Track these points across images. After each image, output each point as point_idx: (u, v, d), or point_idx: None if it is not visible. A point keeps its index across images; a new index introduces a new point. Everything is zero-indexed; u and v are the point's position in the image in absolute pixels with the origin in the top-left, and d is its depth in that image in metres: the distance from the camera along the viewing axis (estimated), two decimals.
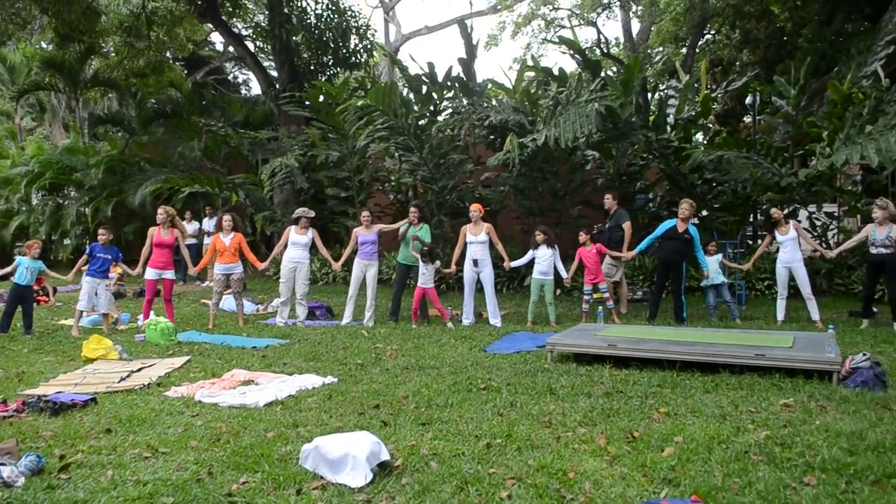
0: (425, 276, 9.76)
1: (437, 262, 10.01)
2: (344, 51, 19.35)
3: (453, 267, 10.16)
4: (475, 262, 9.92)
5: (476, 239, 9.92)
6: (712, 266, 9.91)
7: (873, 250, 9.04)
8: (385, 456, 4.06)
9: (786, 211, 12.58)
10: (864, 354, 6.12)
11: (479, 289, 10.06)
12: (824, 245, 11.99)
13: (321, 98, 15.11)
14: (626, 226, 10.55)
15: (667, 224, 9.71)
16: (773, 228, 9.85)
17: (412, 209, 10.55)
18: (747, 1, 23.33)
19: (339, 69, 19.55)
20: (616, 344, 6.86)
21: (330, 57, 19.41)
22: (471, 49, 14.60)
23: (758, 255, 10.42)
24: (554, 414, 5.14)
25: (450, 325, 9.54)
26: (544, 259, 9.71)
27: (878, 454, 4.18)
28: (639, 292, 11.98)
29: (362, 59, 19.95)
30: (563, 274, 9.84)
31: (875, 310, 9.47)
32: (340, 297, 11.92)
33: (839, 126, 10.96)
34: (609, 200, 11.15)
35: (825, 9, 19.70)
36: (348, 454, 3.94)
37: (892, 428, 4.69)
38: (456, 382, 6.17)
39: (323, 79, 18.56)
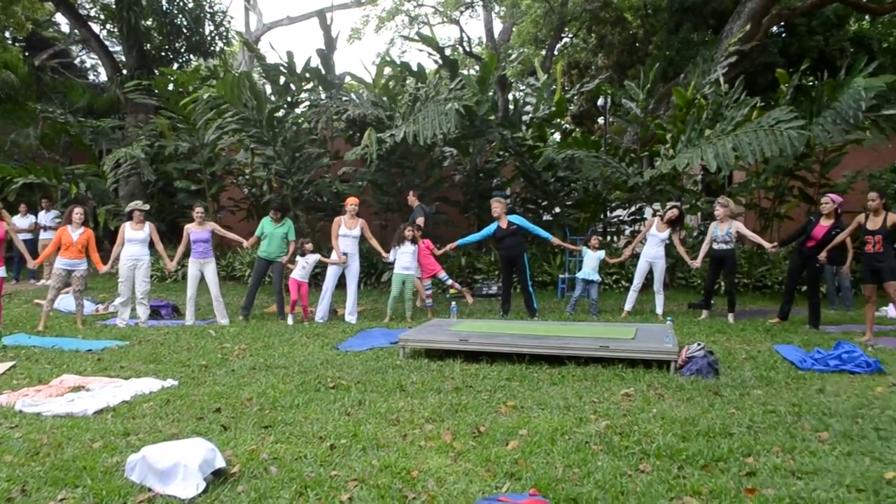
0: (305, 270, 9.49)
1: (317, 255, 9.80)
2: (197, 37, 18.52)
3: (342, 257, 9.79)
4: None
5: (350, 233, 9.76)
6: (592, 263, 10.20)
7: (715, 246, 9.59)
8: (220, 463, 3.83)
9: (632, 209, 13.16)
10: (699, 344, 6.45)
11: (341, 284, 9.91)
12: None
13: (170, 86, 14.36)
14: (419, 221, 10.66)
15: (491, 227, 9.91)
16: (679, 224, 10.17)
17: (273, 212, 10.16)
18: (603, 7, 24.28)
19: (192, 56, 18.69)
20: (468, 339, 6.89)
21: (183, 43, 18.53)
22: (330, 41, 14.33)
23: (631, 248, 10.74)
24: (402, 411, 5.06)
25: (306, 323, 9.32)
26: (408, 254, 9.68)
27: (709, 439, 4.38)
28: (493, 287, 12.15)
29: (217, 47, 19.17)
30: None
31: (713, 302, 10.07)
32: None
33: (682, 130, 11.55)
34: (411, 197, 11.31)
35: (673, 18, 20.79)
36: (179, 463, 3.68)
37: (722, 413, 4.93)
38: (304, 382, 5.98)
39: (175, 66, 17.69)
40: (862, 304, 9.08)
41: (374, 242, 10.07)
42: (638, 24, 25.00)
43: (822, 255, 8.72)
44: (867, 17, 22.35)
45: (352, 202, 9.91)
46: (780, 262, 11.80)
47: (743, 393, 5.58)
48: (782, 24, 19.81)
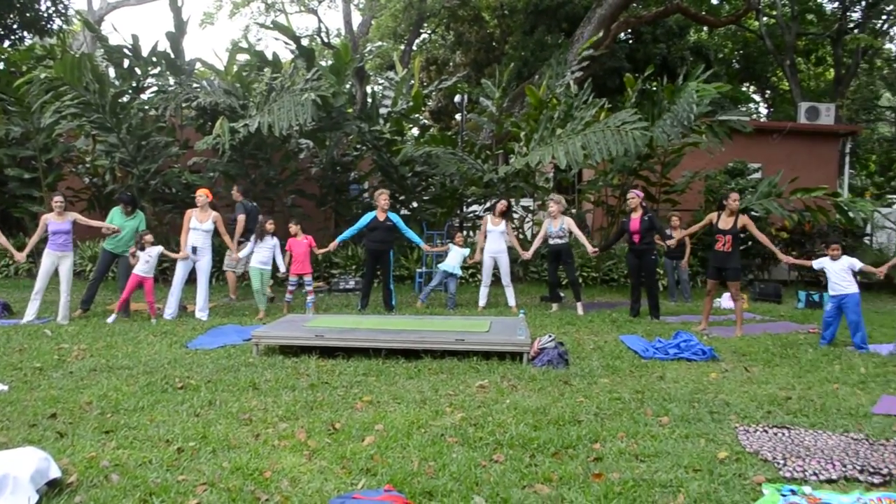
0: (148, 265, 8.89)
1: (160, 248, 9.16)
2: (32, 13, 17.14)
3: (186, 252, 9.24)
4: (194, 250, 9.26)
5: (201, 226, 9.29)
6: (457, 258, 10.28)
7: (551, 241, 9.98)
8: (55, 473, 3.54)
9: (488, 204, 13.44)
10: (550, 336, 6.66)
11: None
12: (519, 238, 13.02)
13: (0, 65, 13.21)
14: (240, 218, 10.50)
15: (367, 216, 9.85)
16: (503, 217, 10.39)
17: (123, 205, 9.54)
18: (461, 5, 24.64)
19: (27, 34, 17.27)
20: (324, 334, 6.78)
21: (16, 18, 17.09)
22: (180, 24, 13.65)
23: (479, 249, 10.91)
24: (255, 410, 4.90)
25: (153, 320, 8.84)
26: (267, 248, 9.39)
27: (559, 427, 4.52)
28: (350, 282, 12.05)
29: (55, 25, 17.83)
30: (281, 266, 9.57)
31: (562, 294, 10.46)
32: (23, 292, 10.52)
33: (535, 128, 11.90)
34: (234, 192, 11.12)
35: (529, 20, 21.40)
36: (7, 475, 3.37)
37: (572, 402, 5.12)
38: (150, 383, 5.66)
39: (7, 43, 16.30)
40: (700, 296, 9.74)
41: (227, 238, 9.71)
42: (495, 23, 25.57)
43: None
44: (706, 28, 23.99)
45: (202, 193, 9.48)
46: (623, 256, 12.41)
47: (591, 382, 5.82)
48: (629, 31, 20.89)
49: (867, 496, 3.55)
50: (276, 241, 9.52)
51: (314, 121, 11.71)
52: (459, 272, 10.43)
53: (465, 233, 14.21)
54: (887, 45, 24.49)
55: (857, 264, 7.94)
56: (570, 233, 10.01)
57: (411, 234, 10.18)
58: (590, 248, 10.09)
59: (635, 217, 9.60)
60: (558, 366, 6.25)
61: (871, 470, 3.85)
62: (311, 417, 4.74)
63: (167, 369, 6.18)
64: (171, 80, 13.35)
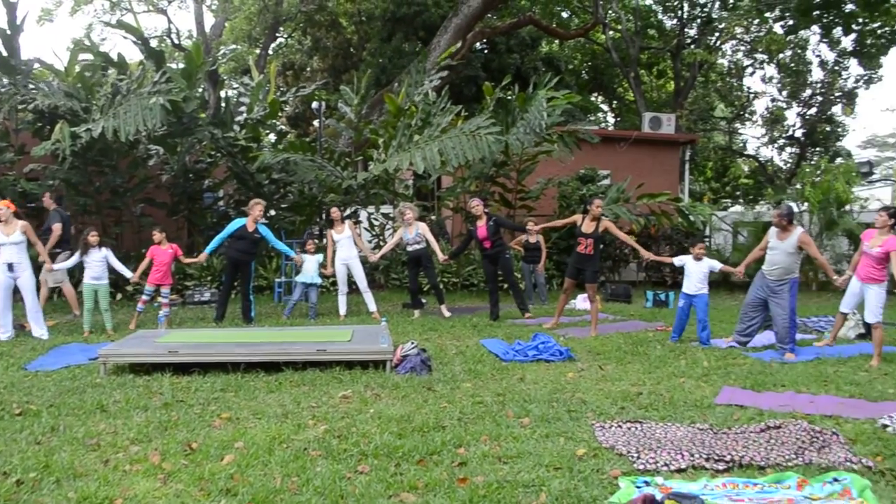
0: None
1: None
2: None
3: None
4: (10, 267, 8.29)
5: (8, 240, 8.26)
6: (313, 266, 10.05)
7: (409, 248, 10.05)
8: None
9: (347, 211, 13.34)
10: (412, 342, 6.67)
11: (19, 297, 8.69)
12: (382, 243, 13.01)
13: None
14: (55, 227, 9.93)
15: (236, 223, 9.51)
16: (332, 226, 10.34)
17: None
18: (318, 10, 24.35)
19: None
20: (177, 350, 6.46)
21: None
22: (14, 21, 12.67)
23: (329, 261, 10.77)
24: (104, 434, 4.58)
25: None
26: (96, 262, 8.75)
27: (423, 434, 4.52)
28: (206, 294, 11.59)
29: None
30: (126, 272, 9.01)
31: (424, 300, 10.52)
32: None
33: (393, 135, 11.94)
34: (46, 200, 10.50)
35: (386, 27, 21.45)
36: None
37: (435, 408, 5.13)
38: None
39: None
40: (556, 298, 10.07)
41: (40, 247, 8.88)
42: (352, 29, 25.47)
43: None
44: (557, 40, 24.96)
45: (2, 206, 8.36)
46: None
47: (454, 387, 5.86)
48: (485, 41, 21.40)
49: (713, 482, 3.77)
50: (106, 251, 8.89)
51: (164, 125, 11.21)
52: (319, 280, 10.25)
53: (324, 241, 14.03)
54: (720, 60, 26.38)
55: (717, 265, 8.46)
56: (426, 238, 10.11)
57: (281, 246, 9.92)
58: (441, 256, 10.29)
59: (481, 224, 9.83)
60: (421, 372, 6.26)
61: (716, 457, 4.09)
62: (166, 438, 4.49)
63: (2, 394, 5.68)
64: (5, 81, 12.35)
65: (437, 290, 10.25)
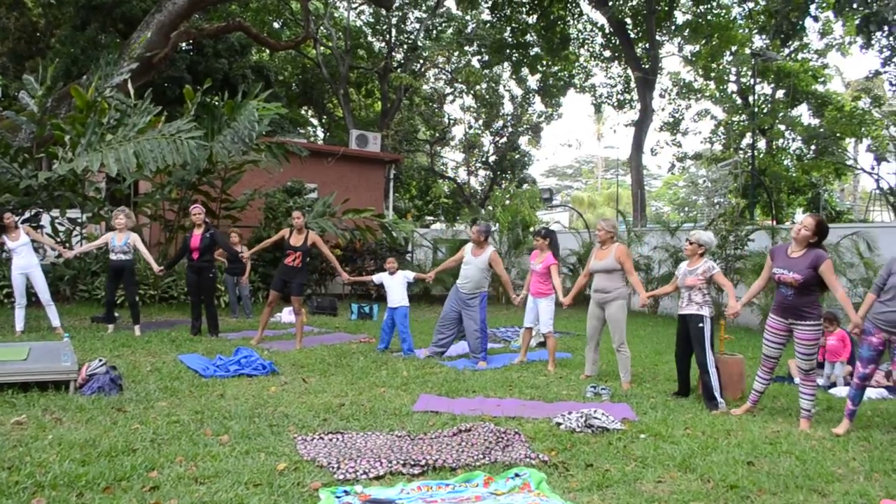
0: None
1: None
2: None
3: None
4: None
5: None
6: None
7: (113, 256, 9.26)
8: None
9: (27, 215, 11.95)
10: (101, 360, 6.15)
11: None
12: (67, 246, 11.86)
13: None
14: None
15: None
16: (2, 233, 9.17)
17: None
18: None
19: None
20: None
21: None
22: None
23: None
24: None
25: None
26: None
27: (111, 458, 4.18)
28: None
29: None
30: None
31: (117, 315, 9.74)
32: None
33: (82, 132, 10.92)
34: None
35: (80, 14, 19.61)
36: None
37: (126, 430, 4.78)
38: None
39: None
40: (261, 311, 9.90)
41: None
42: (39, 12, 22.93)
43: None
44: (267, 50, 24.67)
45: None
46: (183, 273, 12.04)
47: (147, 406, 5.51)
48: (192, 42, 20.49)
49: (409, 486, 3.96)
50: None
51: None
52: None
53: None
54: (424, 86, 27.89)
55: (411, 276, 8.96)
56: (136, 249, 9.38)
57: None
58: (155, 268, 9.58)
59: (197, 234, 9.41)
60: (111, 392, 5.79)
61: (412, 462, 4.30)
62: None
63: None
64: None
65: (134, 308, 9.47)
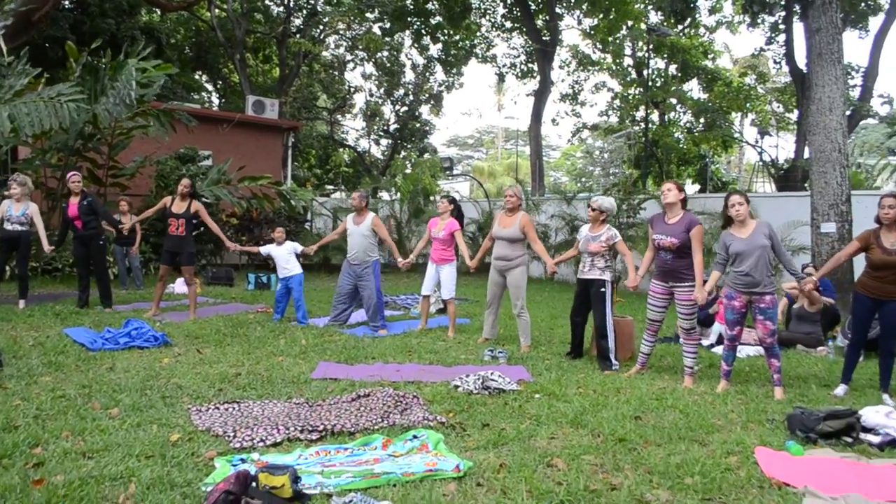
0: None
1: None
2: None
3: None
4: None
5: None
6: None
7: (8, 227, 8.74)
8: None
9: None
10: None
11: None
12: None
13: None
14: None
15: None
16: None
17: None
18: None
19: None
20: None
21: None
22: None
23: None
24: None
25: None
26: None
27: None
28: None
29: None
30: None
31: None
32: None
33: None
34: None
35: None
36: None
37: (6, 407, 4.56)
38: None
39: None
40: (153, 282, 9.57)
41: None
42: None
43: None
44: (158, 11, 23.54)
45: None
46: (69, 244, 11.49)
47: (30, 382, 5.26)
48: (75, 1, 19.37)
49: (307, 451, 3.95)
50: None
51: None
52: None
53: None
54: (324, 53, 27.28)
55: (299, 248, 8.84)
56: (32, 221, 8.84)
57: None
58: (47, 248, 9.01)
59: (74, 202, 8.96)
60: None
61: (310, 428, 4.29)
62: None
63: None
64: None
65: (24, 281, 8.94)
